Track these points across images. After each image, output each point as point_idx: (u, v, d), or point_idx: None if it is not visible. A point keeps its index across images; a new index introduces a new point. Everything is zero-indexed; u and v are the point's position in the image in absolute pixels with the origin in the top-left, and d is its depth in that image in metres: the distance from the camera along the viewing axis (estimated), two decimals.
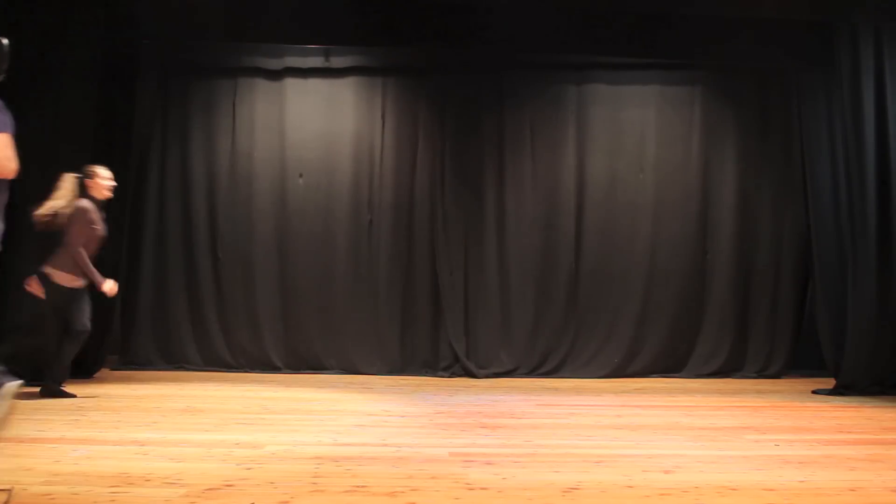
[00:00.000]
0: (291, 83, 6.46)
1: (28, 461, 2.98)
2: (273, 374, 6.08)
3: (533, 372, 6.34)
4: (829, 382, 5.69)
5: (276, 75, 6.45)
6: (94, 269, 4.66)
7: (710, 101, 6.63)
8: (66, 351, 4.69)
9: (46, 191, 5.20)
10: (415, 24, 5.73)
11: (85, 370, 5.52)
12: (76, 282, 4.66)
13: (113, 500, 2.51)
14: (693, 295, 6.52)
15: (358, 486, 2.73)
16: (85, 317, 4.69)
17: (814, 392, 5.58)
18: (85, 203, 4.66)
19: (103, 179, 4.78)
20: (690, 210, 6.57)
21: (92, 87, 5.33)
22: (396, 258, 6.37)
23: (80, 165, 4.84)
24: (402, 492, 2.67)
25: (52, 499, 2.51)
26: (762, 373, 6.42)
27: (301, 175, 6.42)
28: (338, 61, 6.47)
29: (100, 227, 4.71)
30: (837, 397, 5.37)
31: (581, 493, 2.70)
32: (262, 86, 6.46)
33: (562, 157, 6.54)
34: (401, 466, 3.04)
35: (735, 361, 6.48)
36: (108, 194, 4.82)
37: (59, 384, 4.66)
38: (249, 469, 2.95)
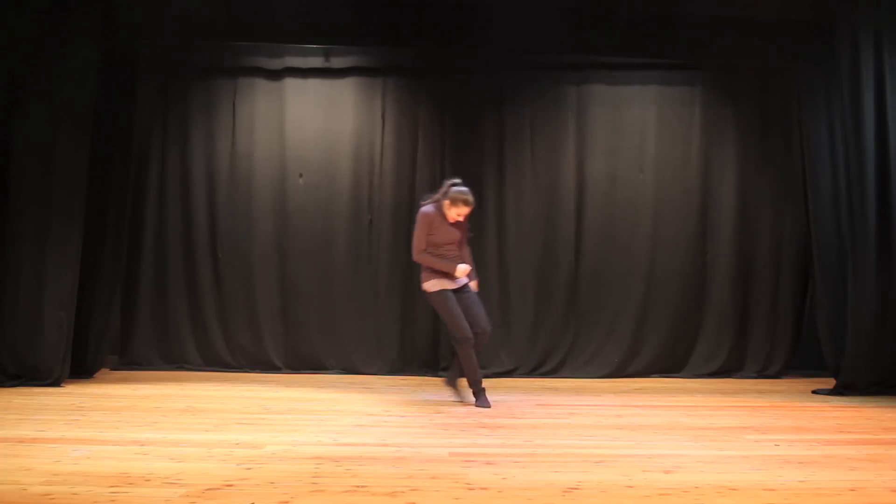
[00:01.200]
0: (291, 83, 6.45)
1: (28, 461, 2.99)
2: (273, 374, 6.07)
3: (533, 372, 6.33)
4: (829, 382, 5.69)
5: (276, 75, 6.44)
6: (440, 263, 4.56)
7: (710, 101, 6.62)
8: (460, 359, 4.62)
9: (45, 190, 5.21)
10: (415, 24, 5.72)
11: (85, 370, 5.53)
12: (442, 285, 4.59)
13: (113, 500, 2.51)
14: (693, 295, 6.51)
15: (358, 486, 2.73)
16: (461, 320, 4.53)
17: (814, 392, 5.58)
18: (427, 209, 4.63)
19: (454, 208, 4.60)
20: (690, 210, 6.56)
21: (92, 87, 5.32)
22: (396, 258, 6.36)
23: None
24: (402, 492, 2.67)
25: (52, 499, 2.51)
26: (762, 373, 6.42)
27: (301, 175, 6.41)
28: (338, 61, 6.46)
29: (441, 233, 4.60)
30: (837, 397, 5.37)
31: (581, 493, 2.71)
32: (262, 86, 6.45)
33: (562, 157, 6.53)
34: (401, 466, 3.04)
35: (735, 361, 6.47)
36: (450, 220, 4.67)
37: (479, 387, 4.69)
38: (249, 469, 2.95)
